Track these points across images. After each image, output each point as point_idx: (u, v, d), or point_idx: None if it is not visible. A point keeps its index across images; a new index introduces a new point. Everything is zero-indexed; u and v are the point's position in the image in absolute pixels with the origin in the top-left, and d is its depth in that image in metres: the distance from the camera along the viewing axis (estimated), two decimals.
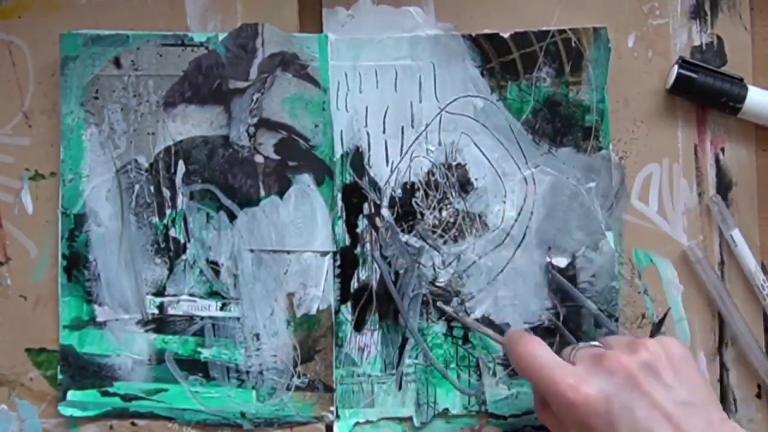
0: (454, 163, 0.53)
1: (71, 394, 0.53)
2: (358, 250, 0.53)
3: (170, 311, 0.53)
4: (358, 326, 0.53)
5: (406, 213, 0.53)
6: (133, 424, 0.53)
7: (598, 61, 0.52)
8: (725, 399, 0.52)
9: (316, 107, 0.53)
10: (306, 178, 0.53)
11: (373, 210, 0.53)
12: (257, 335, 0.53)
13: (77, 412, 0.53)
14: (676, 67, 0.52)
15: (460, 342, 0.53)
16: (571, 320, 0.52)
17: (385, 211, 0.53)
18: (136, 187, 0.54)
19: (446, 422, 0.53)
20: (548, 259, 0.53)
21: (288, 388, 0.53)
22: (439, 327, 0.53)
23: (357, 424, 0.53)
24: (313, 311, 0.53)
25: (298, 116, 0.53)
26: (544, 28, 0.53)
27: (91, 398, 0.53)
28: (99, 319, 0.53)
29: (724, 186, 0.53)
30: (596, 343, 0.46)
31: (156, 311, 0.53)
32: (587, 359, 0.43)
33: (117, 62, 0.54)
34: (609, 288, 0.52)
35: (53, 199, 0.54)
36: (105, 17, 0.54)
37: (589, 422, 0.41)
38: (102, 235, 0.54)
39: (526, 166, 0.53)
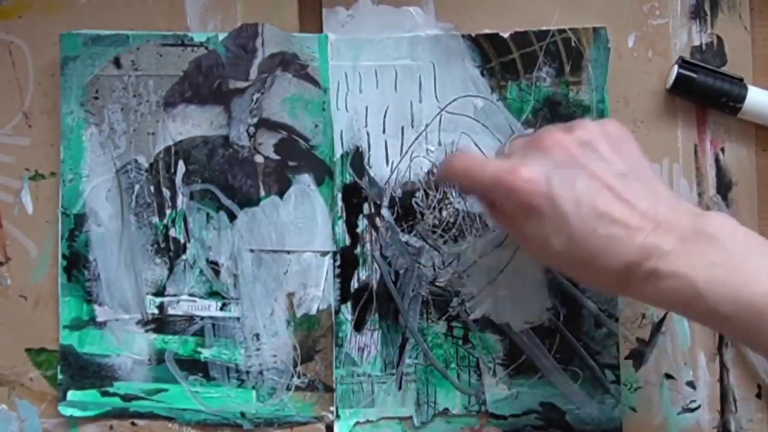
0: None
1: (71, 394, 0.53)
2: (358, 250, 0.53)
3: (170, 311, 0.53)
4: (358, 326, 0.53)
5: (406, 213, 0.53)
6: (133, 424, 0.53)
7: (598, 61, 0.52)
8: (725, 399, 0.52)
9: (316, 107, 0.53)
10: (306, 178, 0.53)
11: (373, 210, 0.53)
12: (257, 335, 0.53)
13: (77, 412, 0.53)
14: (676, 67, 0.52)
15: (460, 342, 0.53)
16: (571, 320, 0.52)
17: (385, 211, 0.53)
18: (136, 187, 0.54)
19: (446, 422, 0.53)
20: None
21: (288, 388, 0.53)
22: (439, 327, 0.53)
23: (357, 424, 0.53)
24: (313, 311, 0.53)
25: (298, 116, 0.53)
26: (544, 28, 0.53)
27: (91, 398, 0.53)
28: (99, 319, 0.53)
29: (724, 186, 0.53)
30: (530, 131, 0.45)
31: (156, 311, 0.53)
32: (521, 146, 0.43)
33: (117, 62, 0.54)
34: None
35: (53, 199, 0.54)
36: (105, 17, 0.54)
37: (531, 202, 0.40)
38: (102, 235, 0.54)
39: None
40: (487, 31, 0.53)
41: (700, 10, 0.53)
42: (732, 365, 0.52)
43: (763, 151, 0.53)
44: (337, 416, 0.53)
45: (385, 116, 0.53)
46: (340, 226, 0.53)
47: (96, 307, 0.53)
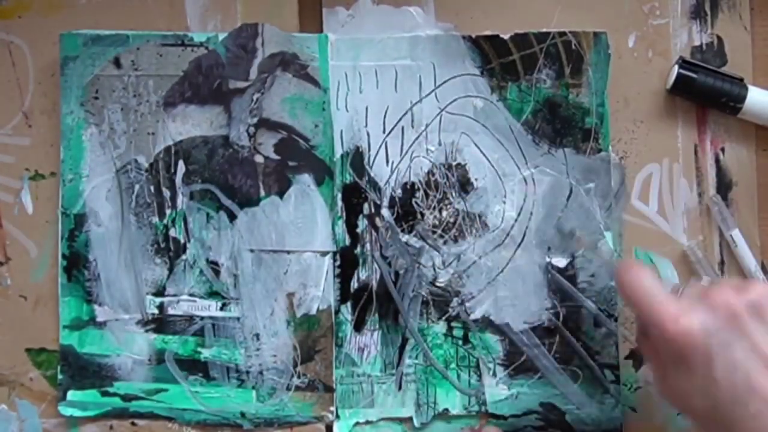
0: (454, 163, 0.53)
1: (71, 394, 0.53)
2: (358, 250, 0.53)
3: (170, 311, 0.53)
4: (358, 326, 0.53)
5: (406, 213, 0.53)
6: (133, 424, 0.53)
7: (598, 66, 0.52)
8: None
9: (316, 107, 0.53)
10: (306, 178, 0.53)
11: (373, 210, 0.53)
12: (257, 335, 0.53)
13: (77, 412, 0.53)
14: (676, 67, 0.52)
15: (460, 342, 0.53)
16: (571, 320, 0.52)
17: (385, 211, 0.53)
18: (136, 187, 0.54)
19: (446, 422, 0.53)
20: (548, 259, 0.53)
21: (288, 388, 0.53)
22: (439, 327, 0.53)
23: (357, 424, 0.53)
24: (313, 311, 0.53)
25: (298, 116, 0.53)
26: (544, 30, 0.53)
27: (91, 398, 0.53)
28: (99, 319, 0.53)
29: (724, 186, 0.53)
30: (706, 280, 0.44)
31: (156, 311, 0.53)
32: (693, 294, 0.42)
33: (117, 62, 0.54)
34: (608, 288, 0.52)
35: (53, 199, 0.54)
36: (105, 17, 0.54)
37: (686, 355, 0.39)
38: (102, 235, 0.54)
39: (525, 167, 0.53)
40: (487, 32, 0.53)
41: (700, 10, 0.53)
42: None
43: (763, 151, 0.53)
44: (337, 416, 0.53)
45: (385, 116, 0.53)
46: (340, 226, 0.53)
47: (96, 307, 0.53)
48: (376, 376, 0.53)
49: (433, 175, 0.53)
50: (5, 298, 0.54)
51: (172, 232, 0.54)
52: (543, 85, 0.53)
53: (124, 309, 0.53)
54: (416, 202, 0.53)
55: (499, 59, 0.53)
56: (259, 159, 0.53)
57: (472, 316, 0.53)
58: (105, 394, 0.53)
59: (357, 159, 0.53)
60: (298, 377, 0.53)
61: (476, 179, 0.53)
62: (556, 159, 0.53)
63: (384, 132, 0.53)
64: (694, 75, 0.52)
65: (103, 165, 0.54)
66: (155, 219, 0.54)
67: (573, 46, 0.52)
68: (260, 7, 0.54)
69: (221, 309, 0.53)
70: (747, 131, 0.53)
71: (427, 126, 0.53)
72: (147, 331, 0.53)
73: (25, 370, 0.54)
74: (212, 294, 0.53)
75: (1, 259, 0.55)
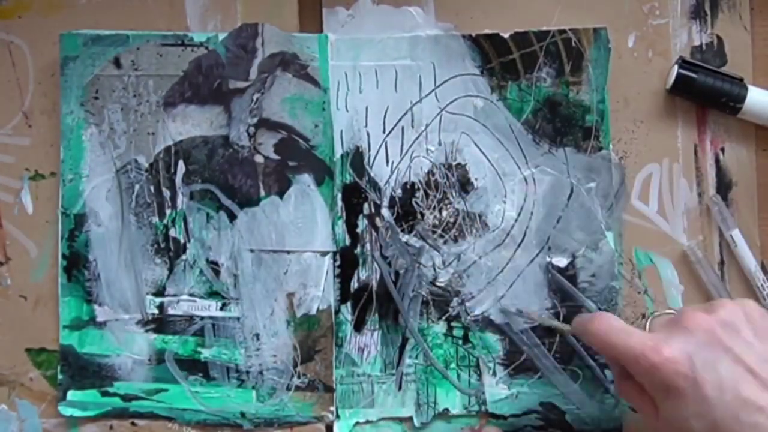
0: (454, 163, 0.53)
1: (71, 394, 0.53)
2: (358, 250, 0.53)
3: (170, 311, 0.53)
4: (358, 326, 0.53)
5: (406, 213, 0.53)
6: (133, 424, 0.53)
7: (598, 62, 0.52)
8: None
9: (316, 107, 0.53)
10: (306, 178, 0.53)
11: (373, 210, 0.53)
12: (257, 335, 0.53)
13: (77, 412, 0.53)
14: (676, 67, 0.52)
15: (460, 342, 0.53)
16: (570, 320, 0.52)
17: (385, 211, 0.53)
18: (136, 187, 0.54)
19: (446, 422, 0.53)
20: (548, 259, 0.53)
21: (288, 388, 0.53)
22: (439, 327, 0.53)
23: (357, 424, 0.53)
24: (313, 311, 0.53)
25: (298, 116, 0.53)
26: (544, 28, 0.53)
27: (91, 398, 0.53)
28: (99, 319, 0.53)
29: (724, 186, 0.53)
30: (669, 310, 0.44)
31: (156, 311, 0.53)
32: (663, 324, 0.42)
33: (117, 62, 0.54)
34: (609, 288, 0.52)
35: (53, 199, 0.54)
36: (105, 17, 0.54)
37: (673, 383, 0.39)
38: (102, 235, 0.54)
39: (526, 166, 0.53)
40: (487, 31, 0.53)
41: (700, 10, 0.53)
42: None
43: (763, 151, 0.53)
44: (337, 416, 0.53)
45: (385, 116, 0.53)
46: (340, 226, 0.53)
47: (96, 307, 0.53)
48: (376, 376, 0.53)
49: (433, 175, 0.53)
50: (5, 298, 0.54)
51: (172, 232, 0.54)
52: (543, 83, 0.53)
53: (124, 309, 0.53)
54: (416, 202, 0.53)
55: (499, 58, 0.53)
56: (259, 159, 0.53)
57: (472, 316, 0.53)
58: (105, 394, 0.53)
59: (357, 159, 0.53)
60: (298, 377, 0.53)
61: (476, 179, 0.53)
62: (557, 158, 0.53)
63: (384, 132, 0.53)
64: (694, 75, 0.52)
65: (103, 165, 0.54)
66: (155, 219, 0.54)
67: (573, 44, 0.52)
68: (260, 7, 0.54)
69: (221, 309, 0.53)
70: (747, 131, 0.53)
71: (427, 126, 0.53)
72: (147, 331, 0.53)
73: (25, 370, 0.54)
74: (212, 294, 0.53)
75: (1, 259, 0.55)
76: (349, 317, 0.53)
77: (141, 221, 0.54)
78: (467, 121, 0.53)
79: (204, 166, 0.54)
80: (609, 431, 0.52)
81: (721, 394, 0.39)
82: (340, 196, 0.53)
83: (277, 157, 0.53)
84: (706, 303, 0.43)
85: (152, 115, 0.54)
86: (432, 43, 0.53)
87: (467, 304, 0.53)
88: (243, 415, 0.53)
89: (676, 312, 0.43)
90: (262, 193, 0.53)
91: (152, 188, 0.54)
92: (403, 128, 0.53)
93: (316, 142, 0.53)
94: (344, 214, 0.53)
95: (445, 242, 0.53)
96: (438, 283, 0.53)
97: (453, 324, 0.53)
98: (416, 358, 0.53)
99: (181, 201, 0.54)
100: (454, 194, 0.53)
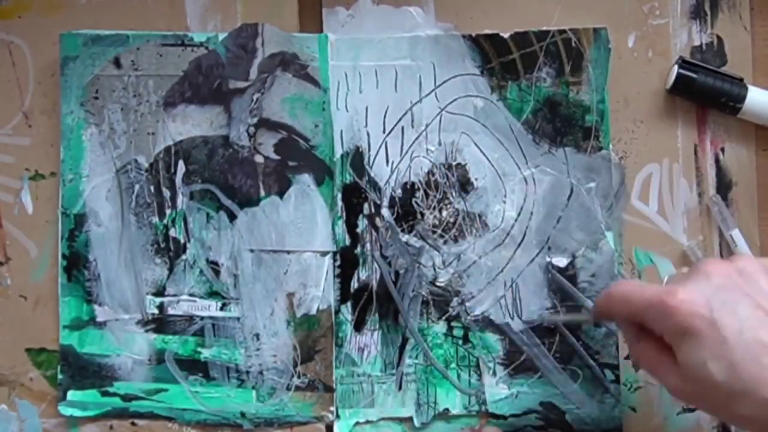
0: (454, 163, 0.53)
1: (71, 394, 0.53)
2: (358, 250, 0.53)
3: (170, 311, 0.53)
4: (358, 326, 0.53)
5: (406, 213, 0.53)
6: (133, 424, 0.53)
7: (598, 62, 0.52)
8: None
9: (316, 107, 0.53)
10: (306, 178, 0.53)
11: (373, 210, 0.53)
12: (257, 335, 0.53)
13: (77, 412, 0.53)
14: (676, 67, 0.52)
15: (460, 342, 0.53)
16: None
17: (385, 211, 0.53)
18: (136, 187, 0.54)
19: (446, 422, 0.53)
20: (548, 259, 0.53)
21: (288, 388, 0.53)
22: (439, 327, 0.53)
23: (357, 424, 0.53)
24: (313, 311, 0.53)
25: (298, 116, 0.53)
26: (544, 28, 0.53)
27: (91, 398, 0.53)
28: (99, 319, 0.53)
29: (724, 186, 0.53)
30: (684, 269, 0.44)
31: (156, 311, 0.53)
32: (680, 276, 0.42)
33: (117, 62, 0.54)
34: (609, 288, 0.52)
35: (53, 199, 0.54)
36: (105, 17, 0.54)
37: (690, 324, 0.39)
38: (102, 235, 0.54)
39: (526, 166, 0.53)
40: (487, 31, 0.53)
41: (700, 10, 0.53)
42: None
43: (763, 151, 0.53)
44: (337, 416, 0.53)
45: (385, 116, 0.53)
46: (340, 226, 0.53)
47: (96, 307, 0.53)
48: (377, 376, 0.53)
49: (433, 175, 0.53)
50: (5, 298, 0.54)
51: (172, 232, 0.54)
52: (543, 83, 0.53)
53: (124, 309, 0.53)
54: (416, 202, 0.53)
55: (499, 58, 0.53)
56: (259, 159, 0.53)
57: (472, 315, 0.53)
58: (105, 394, 0.53)
59: (357, 159, 0.53)
60: (298, 377, 0.53)
61: (476, 179, 0.53)
62: (557, 158, 0.53)
63: (384, 132, 0.53)
64: (694, 75, 0.52)
65: (103, 165, 0.54)
66: (155, 219, 0.54)
67: (573, 44, 0.52)
68: (260, 7, 0.54)
69: (221, 309, 0.53)
70: (747, 131, 0.53)
71: (427, 126, 0.53)
72: (147, 331, 0.53)
73: (25, 370, 0.54)
74: (212, 294, 0.53)
75: (1, 259, 0.55)
76: (349, 317, 0.53)
77: (141, 221, 0.54)
78: (467, 121, 0.53)
79: (204, 166, 0.54)
80: (609, 431, 0.52)
81: (740, 335, 0.38)
82: (340, 196, 0.53)
83: (277, 157, 0.53)
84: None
85: (152, 115, 0.54)
86: (432, 43, 0.53)
87: (467, 304, 0.53)
88: (243, 415, 0.53)
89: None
90: (262, 193, 0.53)
91: (152, 188, 0.54)
92: (403, 128, 0.53)
93: (316, 142, 0.53)
94: (344, 214, 0.53)
95: (445, 242, 0.53)
96: (438, 283, 0.53)
97: (453, 324, 0.53)
98: (416, 358, 0.53)
99: (181, 201, 0.54)
100: (454, 194, 0.53)
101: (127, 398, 0.53)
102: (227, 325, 0.53)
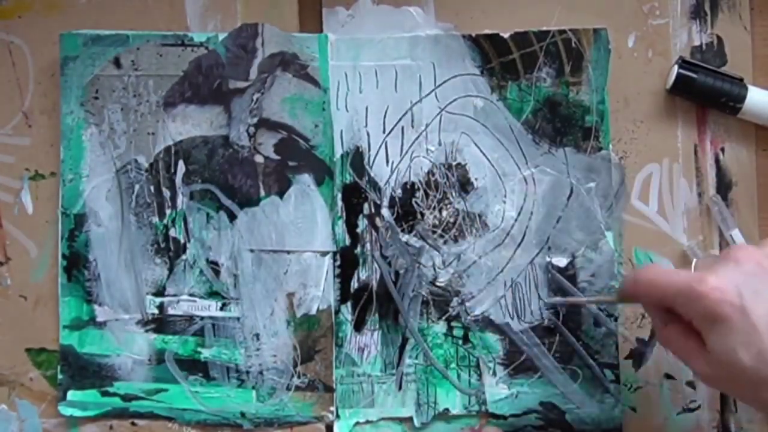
0: (454, 163, 0.53)
1: (71, 394, 0.53)
2: (358, 250, 0.53)
3: (170, 311, 0.53)
4: (358, 326, 0.53)
5: (406, 213, 0.53)
6: (133, 424, 0.53)
7: (598, 62, 0.52)
8: (725, 399, 0.52)
9: (316, 107, 0.53)
10: (306, 178, 0.53)
11: (373, 210, 0.53)
12: (257, 335, 0.53)
13: (77, 412, 0.53)
14: (676, 67, 0.52)
15: (460, 342, 0.53)
16: (571, 320, 0.52)
17: (385, 211, 0.53)
18: (136, 187, 0.54)
19: (446, 422, 0.53)
20: (548, 259, 0.53)
21: (288, 388, 0.53)
22: (439, 327, 0.53)
23: (357, 424, 0.53)
24: (313, 311, 0.53)
25: (298, 116, 0.53)
26: (544, 29, 0.53)
27: (91, 398, 0.53)
28: (99, 319, 0.53)
29: (724, 186, 0.53)
30: (714, 252, 0.44)
31: (156, 311, 0.53)
32: (709, 262, 0.42)
33: (117, 62, 0.54)
34: (609, 288, 0.52)
35: (53, 199, 0.54)
36: (105, 17, 0.54)
37: (720, 311, 0.39)
38: (102, 235, 0.54)
39: (526, 166, 0.53)
40: (487, 31, 0.53)
41: (700, 10, 0.53)
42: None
43: (763, 151, 0.53)
44: (337, 416, 0.53)
45: (385, 116, 0.53)
46: (340, 226, 0.53)
47: (96, 307, 0.53)
48: (377, 376, 0.53)
49: (433, 175, 0.53)
50: (5, 298, 0.54)
51: (172, 232, 0.54)
52: (543, 83, 0.53)
53: (124, 309, 0.53)
54: (416, 202, 0.53)
55: (499, 58, 0.53)
56: (259, 159, 0.53)
57: (472, 315, 0.53)
58: (105, 394, 0.53)
59: (357, 159, 0.53)
60: (298, 377, 0.53)
61: (476, 179, 0.53)
62: (557, 158, 0.53)
63: (384, 132, 0.53)
64: (694, 75, 0.52)
65: (103, 165, 0.54)
66: (155, 219, 0.54)
67: (573, 44, 0.52)
68: (260, 7, 0.54)
69: (221, 309, 0.53)
70: (747, 131, 0.53)
71: (427, 126, 0.53)
72: (147, 331, 0.53)
73: (25, 370, 0.54)
74: (212, 294, 0.53)
75: (1, 259, 0.55)
76: (349, 317, 0.53)
77: (141, 221, 0.54)
78: (467, 121, 0.53)
79: (204, 166, 0.54)
80: (609, 431, 0.52)
81: None
82: (340, 196, 0.53)
83: (277, 157, 0.53)
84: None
85: (152, 115, 0.54)
86: (432, 43, 0.53)
87: (467, 304, 0.53)
88: (243, 415, 0.53)
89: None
90: (262, 193, 0.53)
91: (152, 188, 0.54)
92: (403, 128, 0.53)
93: (316, 142, 0.53)
94: (344, 214, 0.53)
95: (445, 242, 0.53)
96: (438, 283, 0.53)
97: (453, 324, 0.53)
98: (416, 358, 0.53)
99: (181, 201, 0.54)
100: (454, 194, 0.53)
101: (127, 398, 0.53)
102: (227, 325, 0.53)
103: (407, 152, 0.53)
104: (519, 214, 0.53)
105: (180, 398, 0.53)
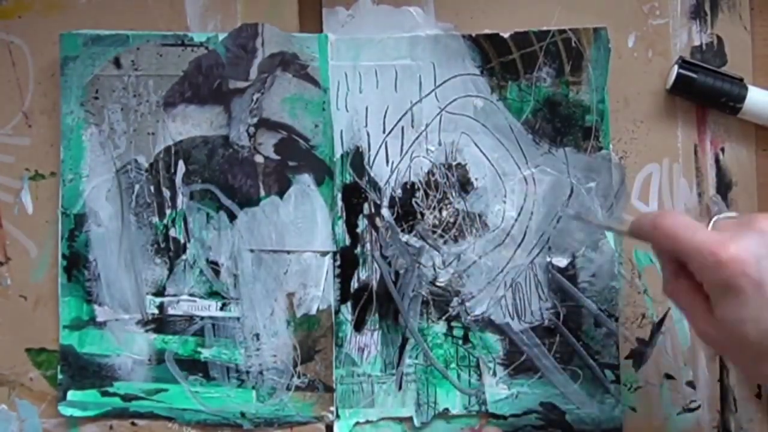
0: (454, 163, 0.53)
1: (71, 394, 0.53)
2: (358, 250, 0.53)
3: (170, 311, 0.53)
4: (358, 326, 0.53)
5: (406, 213, 0.53)
6: (133, 424, 0.53)
7: (598, 62, 0.52)
8: (725, 399, 0.52)
9: (316, 107, 0.53)
10: (306, 178, 0.53)
11: (373, 210, 0.53)
12: (257, 335, 0.53)
13: (77, 412, 0.53)
14: (676, 67, 0.52)
15: (460, 342, 0.53)
16: (571, 320, 0.52)
17: (385, 211, 0.53)
18: (136, 187, 0.54)
19: (446, 422, 0.53)
20: (548, 259, 0.53)
21: (288, 388, 0.53)
22: (439, 327, 0.53)
23: (357, 424, 0.53)
24: (313, 311, 0.53)
25: (298, 116, 0.53)
26: (544, 28, 0.53)
27: (91, 398, 0.53)
28: (99, 319, 0.53)
29: (724, 186, 0.53)
30: (732, 214, 0.42)
31: (156, 311, 0.53)
32: (731, 225, 0.40)
33: (117, 62, 0.54)
34: (609, 288, 0.52)
35: (53, 199, 0.54)
36: (105, 17, 0.54)
37: (736, 282, 0.37)
38: (102, 235, 0.54)
39: (526, 166, 0.53)
40: (487, 31, 0.53)
41: (700, 10, 0.53)
42: (732, 365, 0.52)
43: (763, 151, 0.53)
44: (337, 416, 0.53)
45: (385, 116, 0.53)
46: (340, 226, 0.53)
47: (96, 307, 0.53)
48: (377, 376, 0.53)
49: (433, 175, 0.53)
50: (5, 298, 0.54)
51: (172, 232, 0.54)
52: (543, 83, 0.53)
53: (124, 309, 0.53)
54: (416, 202, 0.53)
55: (499, 58, 0.53)
56: (259, 159, 0.53)
57: (472, 315, 0.53)
58: (105, 394, 0.53)
59: (357, 159, 0.53)
60: (298, 377, 0.53)
61: (476, 179, 0.53)
62: (557, 158, 0.53)
63: (384, 132, 0.53)
64: (693, 75, 0.52)
65: (103, 165, 0.54)
66: (155, 219, 0.54)
67: (573, 44, 0.52)
68: (260, 7, 0.54)
69: (221, 309, 0.53)
70: (747, 131, 0.53)
71: (427, 126, 0.53)
72: (147, 331, 0.53)
73: (25, 370, 0.54)
74: (212, 294, 0.53)
75: (1, 259, 0.55)
76: (349, 317, 0.53)
77: (141, 221, 0.54)
78: (467, 121, 0.53)
79: (204, 166, 0.54)
80: (609, 431, 0.52)
81: None
82: (340, 196, 0.53)
83: (277, 157, 0.53)
84: None
85: (152, 115, 0.54)
86: (432, 43, 0.53)
87: (467, 304, 0.53)
88: (243, 415, 0.53)
89: (741, 215, 0.41)
90: (262, 193, 0.53)
91: (152, 188, 0.54)
92: (403, 128, 0.53)
93: (316, 142, 0.53)
94: (344, 214, 0.53)
95: (445, 242, 0.53)
96: (438, 283, 0.53)
97: (453, 324, 0.53)
98: (416, 358, 0.53)
99: (181, 201, 0.54)
100: (454, 194, 0.53)
101: (127, 398, 0.53)
102: (227, 325, 0.53)
103: (407, 152, 0.53)
104: (519, 214, 0.53)
105: (180, 398, 0.53)
